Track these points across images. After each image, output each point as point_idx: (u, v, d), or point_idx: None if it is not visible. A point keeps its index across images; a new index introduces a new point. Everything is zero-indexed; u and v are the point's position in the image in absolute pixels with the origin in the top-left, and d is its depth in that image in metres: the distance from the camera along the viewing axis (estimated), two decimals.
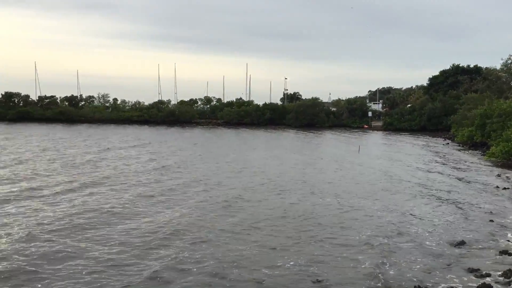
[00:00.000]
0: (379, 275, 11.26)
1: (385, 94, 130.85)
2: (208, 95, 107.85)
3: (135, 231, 14.43)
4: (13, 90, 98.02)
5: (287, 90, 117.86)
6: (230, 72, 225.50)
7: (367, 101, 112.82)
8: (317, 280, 10.90)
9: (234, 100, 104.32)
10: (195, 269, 11.32)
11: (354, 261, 12.28)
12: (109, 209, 17.04)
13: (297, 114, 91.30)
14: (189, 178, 24.98)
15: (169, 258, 12.01)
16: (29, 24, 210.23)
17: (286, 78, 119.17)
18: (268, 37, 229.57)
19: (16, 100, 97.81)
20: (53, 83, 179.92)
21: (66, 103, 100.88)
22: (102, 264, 11.55)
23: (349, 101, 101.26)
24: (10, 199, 18.36)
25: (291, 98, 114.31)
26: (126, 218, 15.96)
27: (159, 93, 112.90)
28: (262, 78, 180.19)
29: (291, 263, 11.95)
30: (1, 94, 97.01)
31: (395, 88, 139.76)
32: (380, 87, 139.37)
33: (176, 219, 15.92)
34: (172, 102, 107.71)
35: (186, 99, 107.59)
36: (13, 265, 11.18)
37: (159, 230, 14.49)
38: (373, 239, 14.20)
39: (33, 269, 11.07)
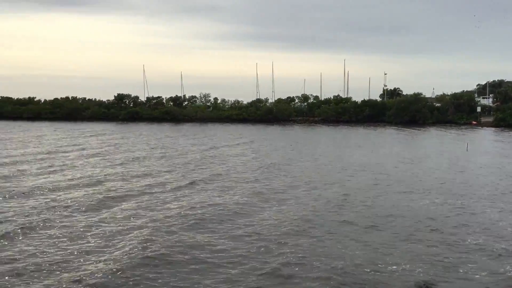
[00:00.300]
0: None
1: (495, 87, 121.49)
2: (305, 93, 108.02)
3: (250, 227, 14.99)
4: (125, 92, 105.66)
5: (386, 86, 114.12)
6: (327, 69, 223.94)
7: (476, 96, 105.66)
8: (424, 285, 10.55)
9: (332, 97, 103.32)
10: (301, 271, 11.47)
11: (466, 267, 11.67)
12: (223, 205, 17.81)
13: (398, 111, 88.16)
14: (295, 176, 25.28)
15: (284, 256, 12.34)
16: (138, 30, 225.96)
17: (385, 74, 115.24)
18: (366, 32, 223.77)
19: (127, 101, 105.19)
20: (159, 84, 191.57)
21: (171, 103, 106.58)
22: (224, 257, 12.15)
23: (455, 96, 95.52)
24: (132, 194, 19.85)
25: (391, 94, 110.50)
26: (240, 215, 16.60)
27: (257, 92, 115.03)
28: (360, 74, 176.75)
29: (394, 267, 11.67)
30: (114, 96, 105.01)
31: (507, 81, 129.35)
32: (490, 80, 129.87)
33: (287, 217, 16.25)
34: (270, 101, 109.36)
35: (284, 97, 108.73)
36: (142, 255, 12.10)
37: (271, 228, 14.93)
38: (489, 245, 13.39)
39: (160, 259, 11.91)
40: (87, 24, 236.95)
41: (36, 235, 13.63)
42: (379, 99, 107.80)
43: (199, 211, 16.82)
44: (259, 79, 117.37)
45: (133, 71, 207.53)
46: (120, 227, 14.70)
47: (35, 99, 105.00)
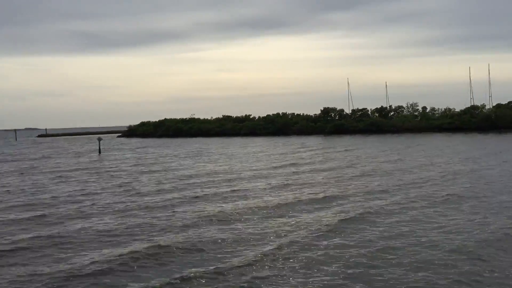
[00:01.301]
0: None
1: None
2: None
3: None
4: (330, 105, 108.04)
5: None
6: None
7: None
8: None
9: None
10: None
11: None
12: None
13: None
14: None
15: None
16: (340, 44, 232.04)
17: None
18: None
19: (332, 114, 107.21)
20: (364, 96, 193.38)
21: (376, 115, 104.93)
22: None
23: None
24: (395, 209, 18.55)
25: None
26: None
27: (470, 98, 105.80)
28: None
29: None
30: (320, 109, 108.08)
31: None
32: None
33: None
34: (487, 107, 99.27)
35: (504, 102, 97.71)
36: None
37: None
38: None
39: None
40: (291, 43, 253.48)
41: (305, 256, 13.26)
42: None
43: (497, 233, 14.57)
44: (473, 84, 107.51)
45: (337, 85, 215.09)
46: (400, 243, 13.55)
47: (250, 116, 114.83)
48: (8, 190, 27.15)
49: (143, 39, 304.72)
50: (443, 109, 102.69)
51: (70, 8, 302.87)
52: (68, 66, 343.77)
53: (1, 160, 53.70)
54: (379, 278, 11.06)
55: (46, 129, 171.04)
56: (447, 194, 21.40)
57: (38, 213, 19.82)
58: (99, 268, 12.15)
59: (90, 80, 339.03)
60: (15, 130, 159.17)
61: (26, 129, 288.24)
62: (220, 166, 38.77)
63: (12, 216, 19.29)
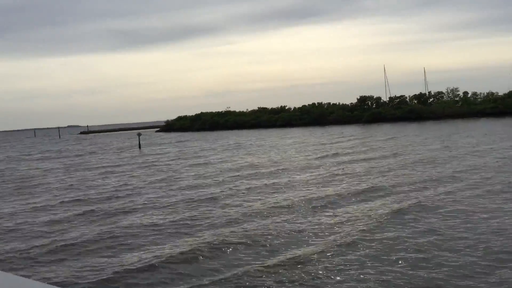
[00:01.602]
0: None
1: None
2: None
3: None
4: (366, 93, 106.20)
5: None
6: None
7: None
8: None
9: None
10: None
11: None
12: None
13: None
14: None
15: None
16: (376, 31, 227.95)
17: None
18: None
19: (369, 103, 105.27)
20: (401, 83, 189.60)
21: (415, 101, 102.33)
22: None
23: None
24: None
25: None
26: None
27: None
28: None
29: None
30: (357, 98, 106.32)
31: None
32: None
33: None
34: None
35: None
36: None
37: None
38: None
39: None
40: (326, 32, 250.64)
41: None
42: None
43: None
44: None
45: (374, 73, 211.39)
46: (461, 233, 12.99)
47: (286, 108, 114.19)
48: (56, 187, 27.78)
49: (178, 34, 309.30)
50: (485, 93, 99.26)
51: (107, 7, 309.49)
52: (106, 64, 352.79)
53: (48, 158, 55.32)
54: (443, 269, 10.56)
55: (87, 126, 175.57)
56: (506, 181, 20.36)
57: (87, 208, 20.09)
58: (149, 264, 12.06)
59: (127, 77, 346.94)
60: (58, 128, 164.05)
61: (68, 126, 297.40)
62: (261, 158, 38.52)
63: (61, 212, 19.65)
